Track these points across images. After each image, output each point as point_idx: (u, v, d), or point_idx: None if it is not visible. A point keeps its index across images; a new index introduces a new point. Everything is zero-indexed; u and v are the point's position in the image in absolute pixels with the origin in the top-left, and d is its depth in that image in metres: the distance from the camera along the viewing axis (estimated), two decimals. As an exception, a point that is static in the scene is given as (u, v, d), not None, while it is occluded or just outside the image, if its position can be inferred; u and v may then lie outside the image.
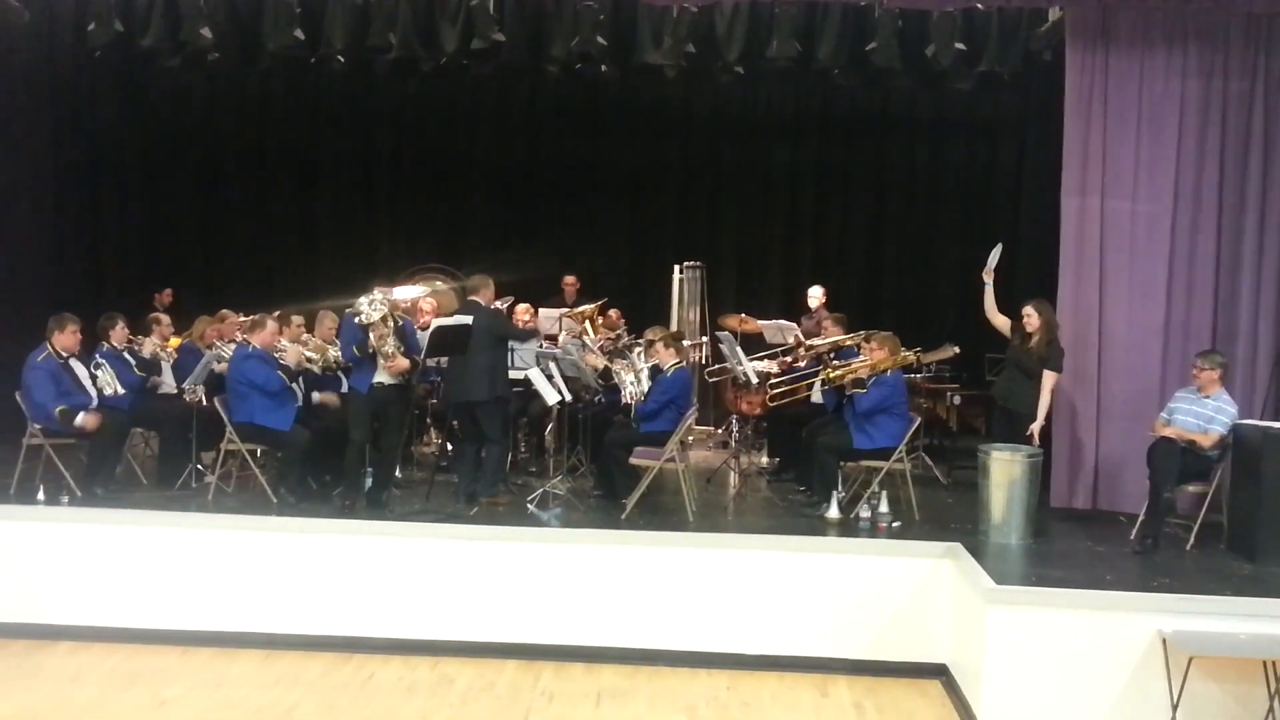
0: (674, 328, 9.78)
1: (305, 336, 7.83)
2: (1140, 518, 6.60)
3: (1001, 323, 7.39)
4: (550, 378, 7.46)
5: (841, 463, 7.17)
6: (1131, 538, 6.55)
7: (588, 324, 8.72)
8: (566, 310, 9.48)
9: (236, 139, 11.85)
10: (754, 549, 6.38)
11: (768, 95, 11.64)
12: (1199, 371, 6.57)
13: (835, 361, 7.69)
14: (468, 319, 7.04)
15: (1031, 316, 7.06)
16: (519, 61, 9.15)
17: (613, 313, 9.64)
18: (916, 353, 7.52)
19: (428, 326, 7.38)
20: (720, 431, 9.89)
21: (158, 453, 7.97)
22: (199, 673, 6.09)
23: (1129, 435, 7.16)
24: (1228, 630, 5.30)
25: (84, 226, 10.47)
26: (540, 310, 9.47)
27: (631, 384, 7.50)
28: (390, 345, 6.75)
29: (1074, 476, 7.42)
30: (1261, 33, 7.23)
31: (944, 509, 7.42)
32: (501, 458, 7.43)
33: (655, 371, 7.49)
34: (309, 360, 7.52)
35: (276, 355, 7.25)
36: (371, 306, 6.68)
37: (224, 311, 8.81)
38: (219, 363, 7.66)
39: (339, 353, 7.48)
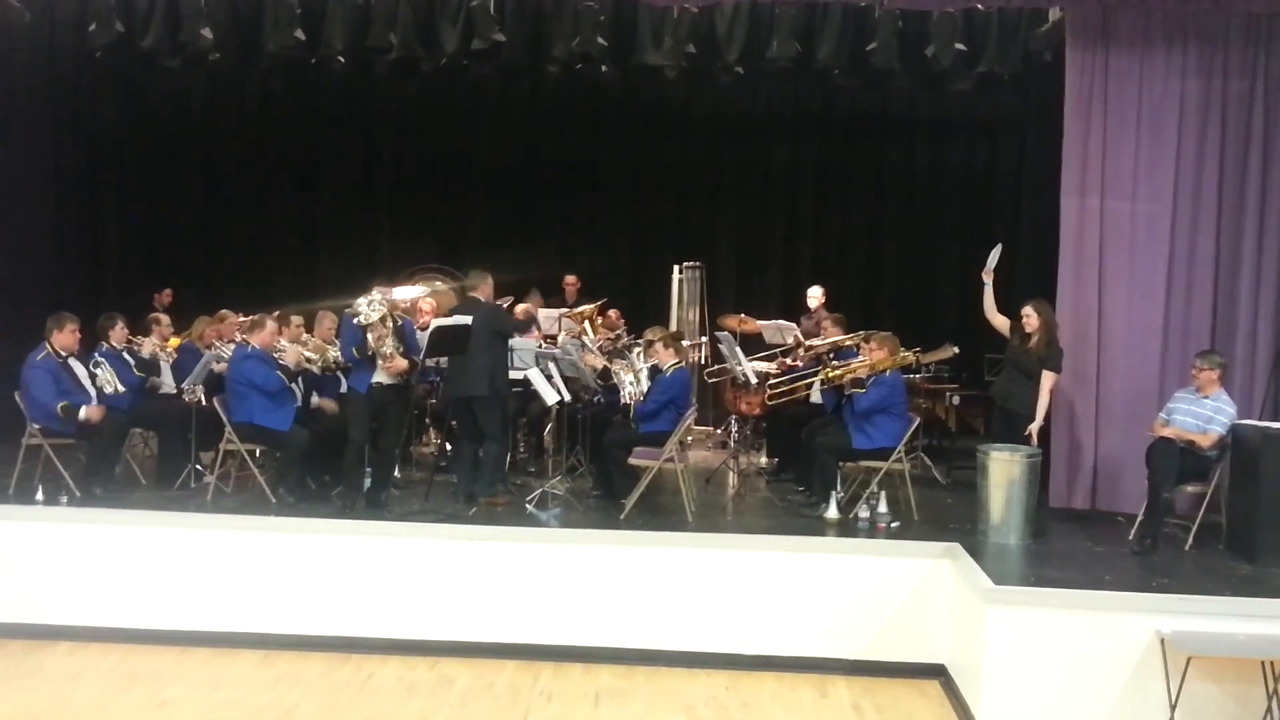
0: (673, 328, 9.79)
1: (305, 337, 7.82)
2: (1139, 518, 6.60)
3: (1001, 323, 7.40)
4: (549, 378, 7.46)
5: (840, 463, 7.17)
6: (1130, 538, 6.55)
7: (587, 324, 8.73)
8: (566, 310, 9.49)
9: (236, 139, 11.85)
10: (753, 549, 6.38)
11: (768, 96, 11.64)
12: (1198, 372, 6.57)
13: (835, 362, 7.69)
14: (467, 319, 7.03)
15: (1031, 317, 7.06)
16: (519, 62, 9.16)
17: (612, 313, 9.65)
18: (916, 353, 7.52)
19: (427, 327, 7.38)
20: (719, 432, 9.88)
21: (157, 453, 7.98)
22: (198, 673, 6.09)
23: (1128, 435, 7.16)
24: (1226, 630, 5.30)
25: (84, 226, 10.48)
26: (540, 310, 9.47)
27: (631, 384, 7.50)
28: (389, 346, 6.75)
29: (1073, 477, 7.42)
30: (1261, 33, 7.23)
31: (943, 509, 7.42)
32: (500, 456, 7.43)
33: (654, 372, 7.49)
34: (308, 360, 7.52)
35: (276, 355, 7.25)
36: (370, 307, 6.68)
37: (223, 312, 8.81)
38: (218, 363, 7.66)
39: (338, 353, 7.48)
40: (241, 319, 8.22)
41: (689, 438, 8.06)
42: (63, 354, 7.13)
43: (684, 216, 11.86)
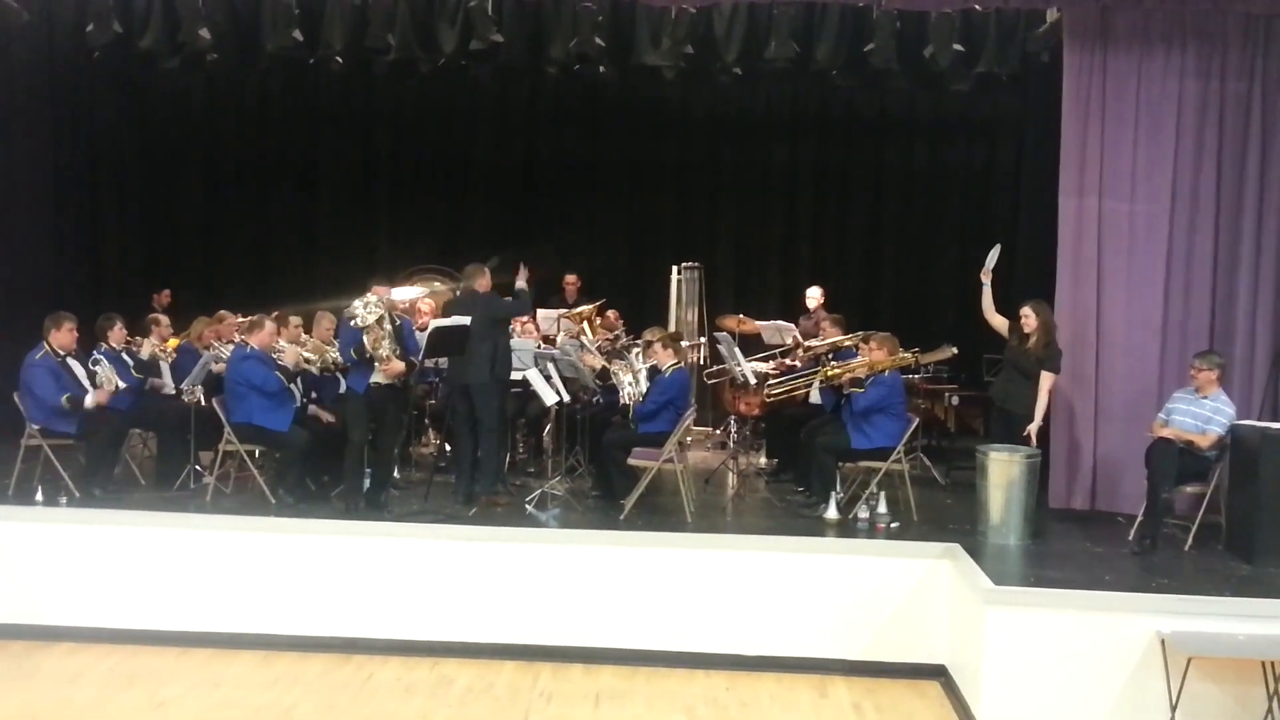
0: (672, 328, 9.79)
1: (303, 337, 7.82)
2: (1138, 518, 6.60)
3: (999, 323, 7.40)
4: (548, 378, 7.45)
5: (840, 463, 7.18)
6: (1130, 538, 6.56)
7: (585, 324, 8.73)
8: (564, 311, 9.49)
9: (235, 140, 11.83)
10: (752, 549, 6.38)
11: (766, 96, 11.64)
12: (1197, 372, 6.57)
13: (834, 362, 7.69)
14: (465, 320, 7.03)
15: (1029, 317, 7.06)
16: (518, 62, 9.14)
17: (611, 313, 9.65)
18: (915, 353, 7.52)
19: (426, 328, 7.38)
20: (718, 432, 9.88)
21: (156, 453, 7.98)
22: (197, 673, 6.09)
23: (1127, 436, 7.16)
24: (1226, 631, 5.30)
25: (84, 226, 10.47)
26: (539, 310, 9.47)
27: (630, 385, 7.50)
28: (385, 349, 6.73)
29: (1072, 477, 7.42)
30: (1259, 33, 7.24)
31: (942, 510, 7.43)
32: (499, 452, 7.42)
33: (653, 372, 7.49)
34: (307, 361, 7.51)
35: (274, 356, 7.25)
36: (366, 309, 6.65)
37: (222, 312, 8.80)
38: (217, 363, 7.66)
39: (337, 354, 7.48)
40: (240, 319, 8.22)
41: (688, 438, 8.06)
42: (61, 353, 7.13)
43: (682, 217, 11.85)
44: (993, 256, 7.44)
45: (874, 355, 7.28)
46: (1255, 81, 7.25)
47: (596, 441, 7.71)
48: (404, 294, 7.70)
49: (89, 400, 6.96)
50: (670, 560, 6.35)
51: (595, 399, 8.26)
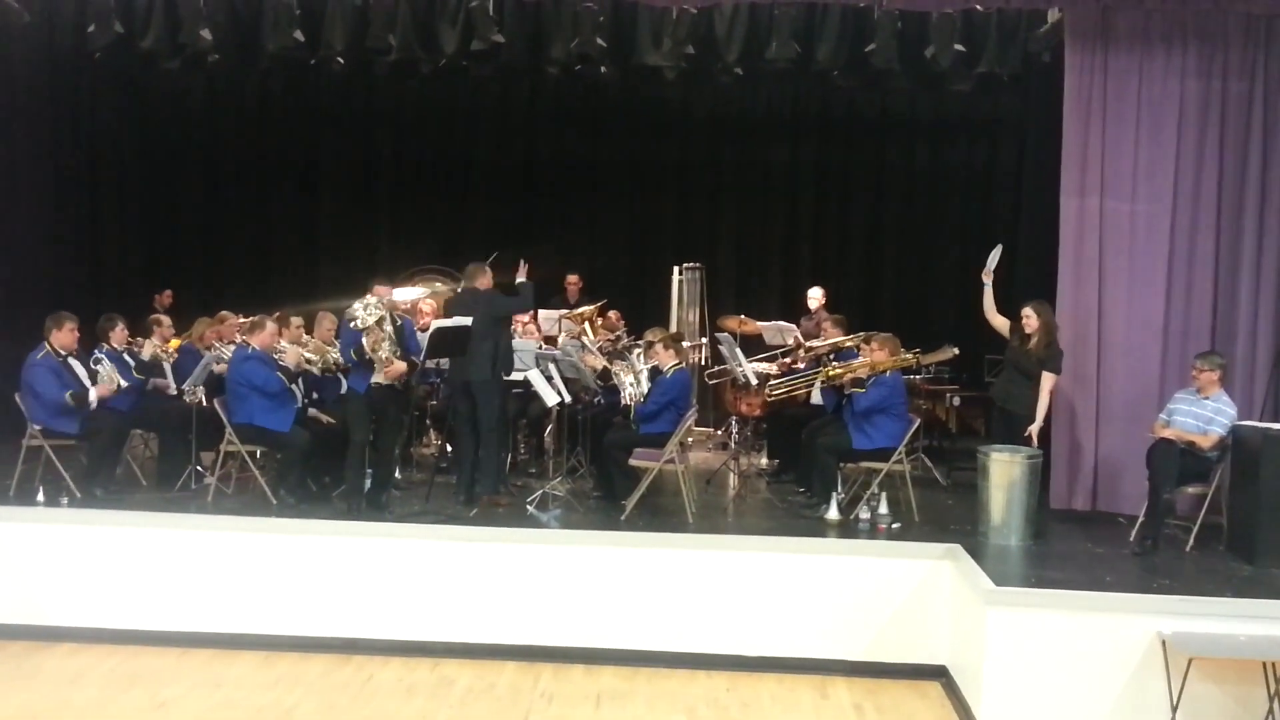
0: (673, 329, 9.79)
1: (304, 338, 7.82)
2: (1140, 519, 6.60)
3: (1001, 324, 7.39)
4: (549, 379, 7.45)
5: (841, 464, 7.17)
6: (1131, 539, 6.55)
7: (587, 325, 8.73)
8: (566, 311, 9.49)
9: (236, 140, 11.85)
10: (753, 550, 6.38)
11: (767, 96, 11.65)
12: (1198, 373, 6.56)
13: (835, 363, 7.69)
14: (467, 321, 7.03)
15: (1030, 318, 7.05)
16: (519, 63, 9.15)
17: (612, 314, 9.65)
18: (916, 354, 7.52)
19: (428, 328, 7.38)
20: (720, 433, 9.88)
21: (157, 454, 7.99)
22: (198, 674, 6.09)
23: (1128, 436, 7.16)
24: (1227, 631, 5.30)
25: (84, 227, 10.47)
26: (540, 311, 9.47)
27: (631, 385, 7.50)
28: (385, 350, 6.73)
29: (1073, 478, 7.42)
30: (1260, 33, 7.23)
31: (943, 510, 7.42)
32: (500, 452, 7.42)
33: (655, 373, 7.48)
34: (308, 362, 7.51)
35: (276, 356, 7.25)
36: (366, 311, 6.65)
37: (223, 313, 8.80)
38: (218, 364, 7.66)
39: (338, 354, 7.47)
40: (241, 320, 8.22)
41: (689, 439, 8.06)
42: (62, 353, 7.13)
43: (684, 217, 11.86)
44: (994, 257, 7.44)
45: (875, 356, 7.28)
46: (1256, 81, 7.25)
47: (598, 442, 7.71)
48: (406, 294, 7.69)
49: (93, 394, 6.96)
50: (671, 561, 6.35)
51: (596, 400, 8.26)
